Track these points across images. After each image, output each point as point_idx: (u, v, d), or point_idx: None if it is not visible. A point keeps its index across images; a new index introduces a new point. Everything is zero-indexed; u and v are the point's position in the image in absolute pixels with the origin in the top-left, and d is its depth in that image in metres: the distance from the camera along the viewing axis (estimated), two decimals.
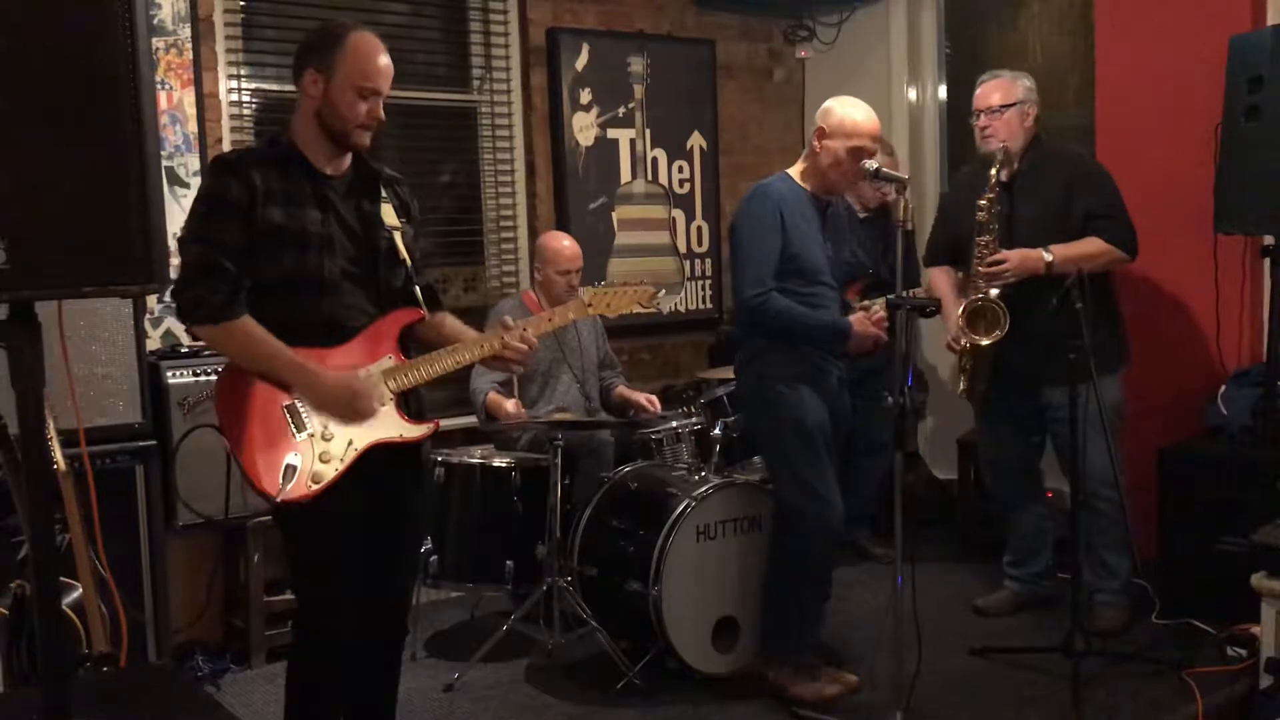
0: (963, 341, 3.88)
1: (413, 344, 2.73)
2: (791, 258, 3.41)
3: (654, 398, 4.54)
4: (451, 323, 2.83)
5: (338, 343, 2.59)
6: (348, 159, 2.66)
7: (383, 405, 2.62)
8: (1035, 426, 4.07)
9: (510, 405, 4.18)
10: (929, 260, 4.30)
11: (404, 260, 2.68)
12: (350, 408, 2.55)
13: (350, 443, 2.57)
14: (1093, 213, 3.83)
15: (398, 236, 2.67)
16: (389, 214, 2.68)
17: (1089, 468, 3.66)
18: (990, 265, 3.79)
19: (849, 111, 3.42)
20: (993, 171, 3.81)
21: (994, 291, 3.79)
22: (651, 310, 3.05)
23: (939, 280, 4.18)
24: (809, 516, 3.43)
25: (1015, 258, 3.77)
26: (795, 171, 3.53)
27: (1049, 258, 3.74)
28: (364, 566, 2.65)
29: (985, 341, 3.80)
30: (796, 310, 3.40)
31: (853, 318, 3.43)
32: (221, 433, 2.55)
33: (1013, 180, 3.90)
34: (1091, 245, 3.80)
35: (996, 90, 3.92)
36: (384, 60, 2.58)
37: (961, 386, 4.04)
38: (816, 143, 3.44)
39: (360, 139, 2.60)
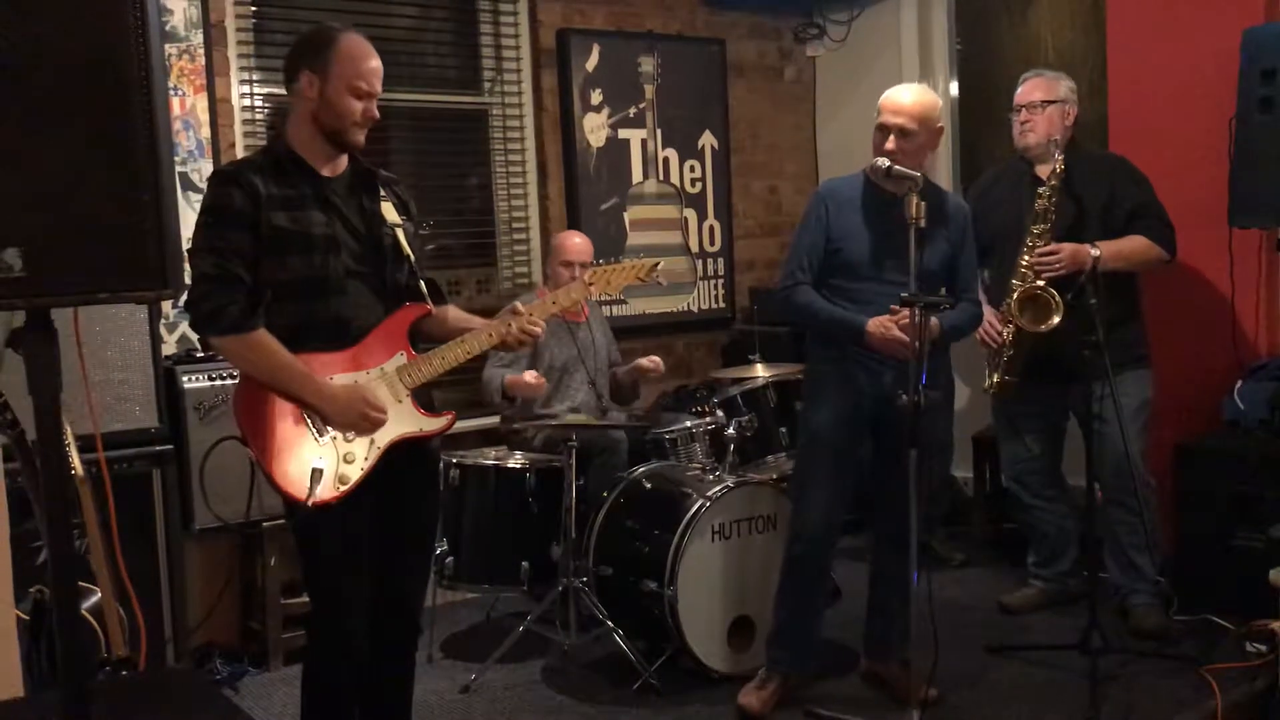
0: (1007, 330, 3.85)
1: (420, 339, 2.74)
2: (834, 252, 3.35)
3: (656, 358, 4.47)
4: (455, 313, 2.84)
5: (349, 343, 2.60)
6: (344, 160, 2.68)
7: (400, 401, 2.63)
8: (1055, 427, 4.04)
9: (530, 375, 4.13)
10: None
11: (407, 256, 2.69)
12: (364, 418, 2.57)
13: (373, 441, 2.59)
14: (1137, 211, 3.86)
15: (400, 233, 2.68)
16: (389, 211, 2.69)
17: (1120, 464, 3.65)
18: (1042, 255, 3.77)
19: (885, 93, 3.38)
20: (1059, 159, 3.79)
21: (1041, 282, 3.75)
22: (653, 282, 3.04)
23: None
24: (792, 523, 3.48)
25: (1068, 250, 3.75)
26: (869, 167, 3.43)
27: (1096, 254, 3.74)
28: (377, 567, 2.66)
29: (1039, 328, 3.73)
30: (816, 304, 3.35)
31: (873, 320, 3.24)
32: (244, 443, 2.55)
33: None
34: (1136, 243, 3.83)
35: (1039, 88, 4.00)
36: (375, 62, 2.61)
37: (989, 381, 3.99)
38: None
39: (356, 137, 2.61)
